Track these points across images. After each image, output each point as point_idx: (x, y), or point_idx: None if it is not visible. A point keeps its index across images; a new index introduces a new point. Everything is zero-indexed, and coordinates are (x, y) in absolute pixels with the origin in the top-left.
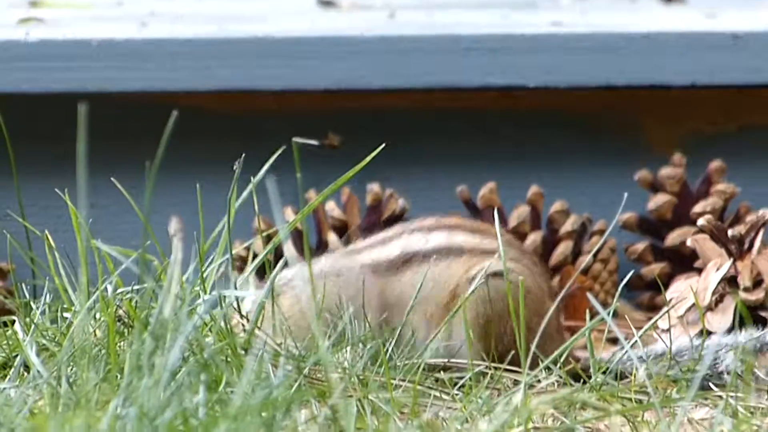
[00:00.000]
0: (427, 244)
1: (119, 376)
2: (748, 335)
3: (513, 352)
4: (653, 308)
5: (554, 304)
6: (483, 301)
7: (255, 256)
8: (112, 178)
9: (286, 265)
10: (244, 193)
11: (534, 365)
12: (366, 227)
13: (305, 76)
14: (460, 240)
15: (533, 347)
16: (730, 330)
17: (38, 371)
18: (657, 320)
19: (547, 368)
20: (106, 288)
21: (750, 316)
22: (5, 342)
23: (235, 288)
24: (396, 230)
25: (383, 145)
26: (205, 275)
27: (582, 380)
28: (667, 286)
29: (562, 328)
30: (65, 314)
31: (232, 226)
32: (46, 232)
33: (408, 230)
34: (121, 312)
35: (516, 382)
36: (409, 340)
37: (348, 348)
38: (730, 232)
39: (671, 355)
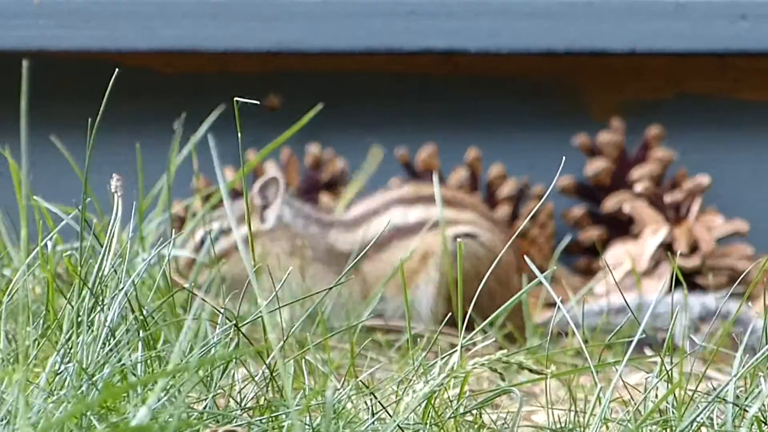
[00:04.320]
0: (407, 219)
1: (58, 333)
2: (689, 298)
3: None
4: (590, 273)
5: (517, 274)
6: (452, 265)
7: (194, 215)
8: (51, 137)
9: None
10: (184, 151)
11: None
12: (305, 188)
13: (246, 37)
14: (437, 213)
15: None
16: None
17: None
18: (594, 285)
19: (484, 331)
20: (45, 245)
21: (686, 282)
22: None
23: (175, 246)
24: (381, 201)
25: (320, 105)
26: (144, 233)
27: (518, 343)
28: (604, 251)
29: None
30: (4, 270)
31: (171, 184)
32: None
33: (392, 203)
34: (60, 269)
35: (453, 345)
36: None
37: (286, 309)
38: (667, 199)
39: (607, 313)
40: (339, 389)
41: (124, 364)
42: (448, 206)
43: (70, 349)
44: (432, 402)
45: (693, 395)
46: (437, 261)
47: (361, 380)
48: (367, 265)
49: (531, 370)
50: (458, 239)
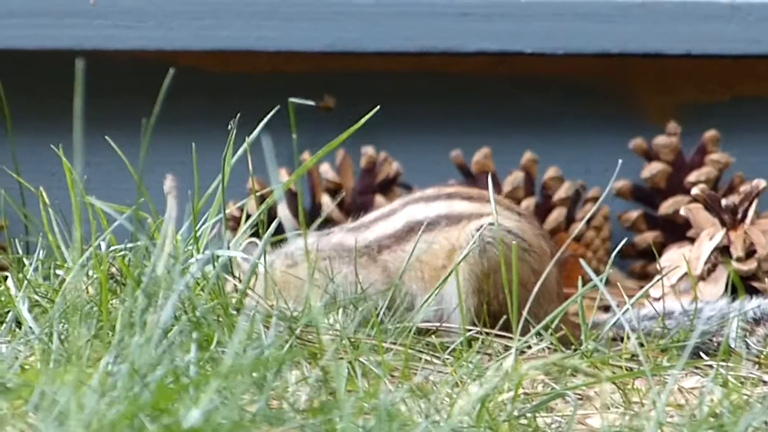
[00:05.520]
0: (428, 213)
1: (111, 333)
2: (746, 304)
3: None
4: (645, 277)
5: (555, 266)
6: (480, 253)
7: (248, 216)
8: (106, 137)
9: (279, 226)
10: (239, 152)
11: (528, 327)
12: (360, 190)
13: (301, 37)
14: (459, 207)
15: (526, 307)
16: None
17: (30, 327)
18: (649, 288)
19: (539, 334)
20: (99, 245)
21: (742, 286)
22: None
23: (228, 248)
24: (399, 202)
25: (377, 107)
26: (198, 234)
27: (573, 347)
28: (659, 254)
29: (563, 294)
30: (58, 271)
31: (226, 185)
32: (41, 188)
33: (411, 201)
34: (113, 269)
35: (507, 348)
36: (402, 301)
37: (340, 310)
38: (723, 202)
39: (663, 316)
40: (392, 392)
41: (176, 366)
42: (470, 201)
43: (123, 349)
44: (486, 405)
45: (748, 399)
46: (467, 255)
47: (414, 383)
48: (388, 255)
49: (586, 374)
50: (483, 227)
